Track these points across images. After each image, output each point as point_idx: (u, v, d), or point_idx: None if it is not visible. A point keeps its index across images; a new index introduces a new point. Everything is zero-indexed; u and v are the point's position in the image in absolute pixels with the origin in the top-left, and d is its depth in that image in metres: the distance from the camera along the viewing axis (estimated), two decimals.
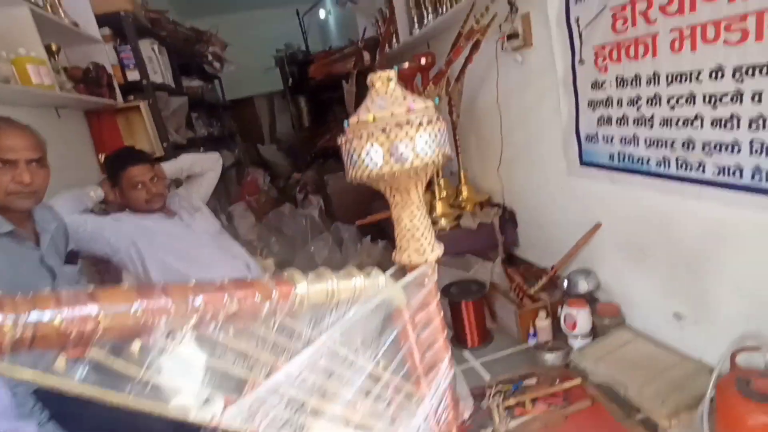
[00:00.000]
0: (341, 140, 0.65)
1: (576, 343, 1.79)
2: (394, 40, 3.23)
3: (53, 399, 1.10)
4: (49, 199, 1.49)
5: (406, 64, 2.32)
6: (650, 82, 1.40)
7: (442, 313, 0.66)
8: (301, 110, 5.62)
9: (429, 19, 2.64)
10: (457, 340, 2.10)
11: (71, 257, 1.35)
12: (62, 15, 2.07)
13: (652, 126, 1.44)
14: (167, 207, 1.84)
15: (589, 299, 1.86)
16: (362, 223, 2.90)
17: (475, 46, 2.14)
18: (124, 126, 2.51)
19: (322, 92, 5.22)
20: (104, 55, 2.41)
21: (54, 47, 1.97)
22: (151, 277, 1.67)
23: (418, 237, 0.66)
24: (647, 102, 1.43)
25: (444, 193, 2.76)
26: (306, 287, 0.40)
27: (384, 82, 0.64)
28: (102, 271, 1.93)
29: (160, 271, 1.67)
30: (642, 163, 1.53)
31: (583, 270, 1.94)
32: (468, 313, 2.05)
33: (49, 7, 1.94)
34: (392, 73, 0.65)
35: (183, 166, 1.95)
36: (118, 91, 2.44)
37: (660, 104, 1.39)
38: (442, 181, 2.79)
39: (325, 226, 3.43)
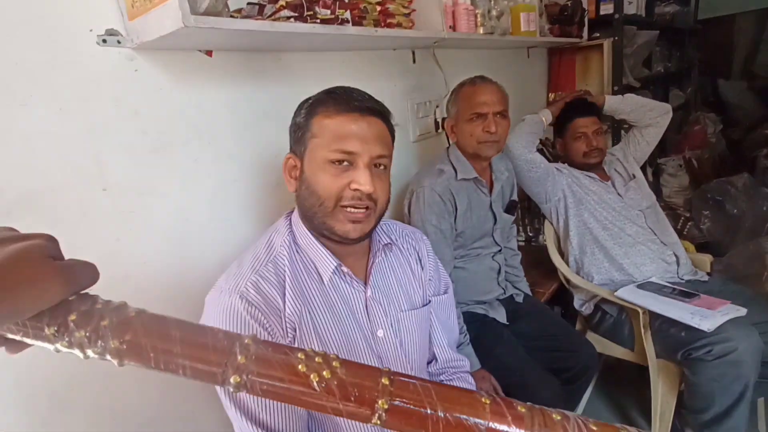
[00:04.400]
0: None
1: None
2: None
3: (475, 324, 1.32)
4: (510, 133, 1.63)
5: None
6: None
7: None
8: None
9: None
10: None
11: (510, 207, 1.51)
12: None
13: None
14: (602, 168, 1.73)
15: None
16: None
17: None
18: (580, 64, 2.45)
19: None
20: None
21: None
22: (569, 234, 1.67)
23: None
24: None
25: None
26: None
27: None
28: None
29: (578, 232, 1.65)
30: None
31: None
32: None
33: None
34: None
35: (624, 107, 1.73)
36: (585, 27, 2.35)
37: None
38: None
39: None
